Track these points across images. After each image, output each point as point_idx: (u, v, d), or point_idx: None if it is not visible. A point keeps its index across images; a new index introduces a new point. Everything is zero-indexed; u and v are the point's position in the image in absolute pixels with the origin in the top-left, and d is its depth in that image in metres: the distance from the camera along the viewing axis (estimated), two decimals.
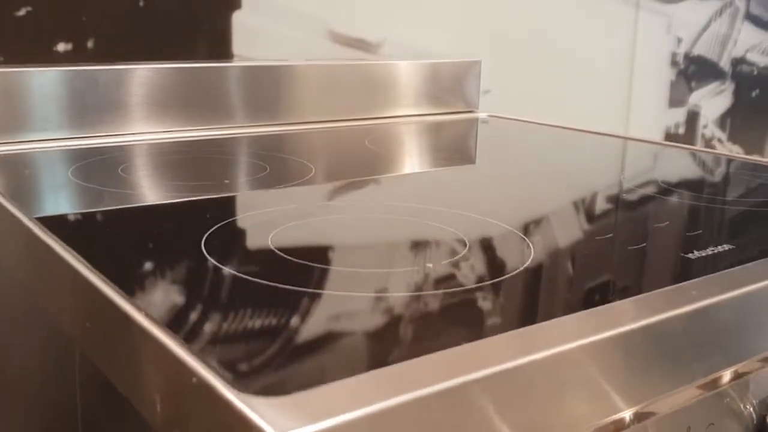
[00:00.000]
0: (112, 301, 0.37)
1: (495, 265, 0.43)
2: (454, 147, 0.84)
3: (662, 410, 0.39)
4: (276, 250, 0.44)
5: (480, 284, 0.40)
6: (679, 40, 1.36)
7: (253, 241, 0.47)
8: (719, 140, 1.47)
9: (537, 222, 0.52)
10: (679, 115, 1.40)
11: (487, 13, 1.11)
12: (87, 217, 0.52)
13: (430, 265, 0.42)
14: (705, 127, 1.44)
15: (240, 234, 0.48)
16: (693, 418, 0.41)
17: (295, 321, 0.35)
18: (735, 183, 0.66)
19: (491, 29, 1.12)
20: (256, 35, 0.91)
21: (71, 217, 0.52)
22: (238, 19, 0.89)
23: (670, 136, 1.38)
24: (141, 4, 0.82)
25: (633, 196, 0.60)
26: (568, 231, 0.50)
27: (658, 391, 0.37)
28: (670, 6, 1.34)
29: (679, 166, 0.73)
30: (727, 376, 0.42)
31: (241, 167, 0.69)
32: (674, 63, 1.36)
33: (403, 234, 0.49)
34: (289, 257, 0.43)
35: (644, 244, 0.47)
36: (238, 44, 0.89)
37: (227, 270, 0.41)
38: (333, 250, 0.45)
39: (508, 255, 0.45)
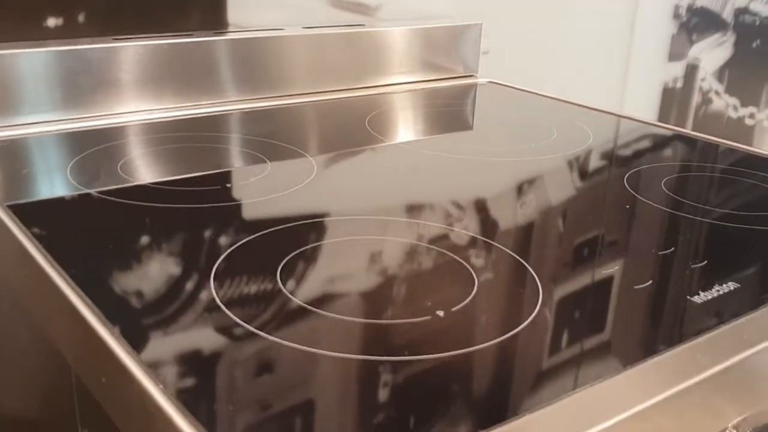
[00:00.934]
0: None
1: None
2: (449, 120, 0.83)
3: None
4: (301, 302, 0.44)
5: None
6: None
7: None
8: (716, 92, 1.46)
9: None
10: (678, 69, 1.38)
11: None
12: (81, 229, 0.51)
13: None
14: (703, 79, 1.42)
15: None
16: None
17: None
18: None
19: None
20: (252, 1, 0.88)
21: (61, 232, 0.51)
22: None
23: (668, 91, 1.37)
24: None
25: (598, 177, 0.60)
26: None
27: None
28: None
29: (663, 154, 0.73)
30: None
31: (237, 160, 0.68)
32: (677, 16, 1.33)
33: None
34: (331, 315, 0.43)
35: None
36: (233, 12, 0.87)
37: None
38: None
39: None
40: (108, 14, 0.79)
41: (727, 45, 1.45)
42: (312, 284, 0.46)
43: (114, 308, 0.42)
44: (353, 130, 0.79)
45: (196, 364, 0.38)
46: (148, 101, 0.79)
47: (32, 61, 0.72)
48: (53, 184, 0.60)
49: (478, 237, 0.53)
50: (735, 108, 1.50)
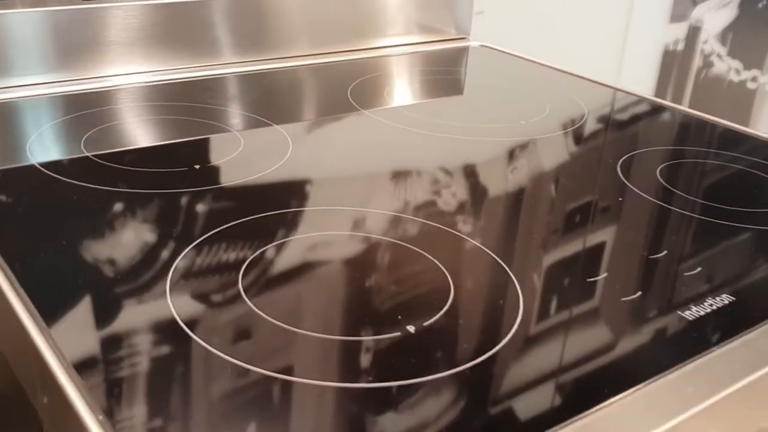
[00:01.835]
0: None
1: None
2: (435, 89, 0.79)
3: None
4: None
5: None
6: None
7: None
8: (719, 56, 1.41)
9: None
10: (680, 30, 1.33)
11: None
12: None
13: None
14: (705, 42, 1.37)
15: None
16: None
17: None
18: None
19: None
20: None
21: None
22: None
23: (668, 53, 1.32)
24: None
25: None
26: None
27: None
28: None
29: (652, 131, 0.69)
30: None
31: (210, 134, 0.64)
32: None
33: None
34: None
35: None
36: None
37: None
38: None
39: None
40: None
41: (732, 6, 1.39)
42: (276, 292, 0.43)
43: (50, 308, 0.39)
44: (335, 99, 0.75)
45: (137, 382, 0.35)
46: (137, 63, 0.75)
47: (21, 21, 0.67)
48: (9, 158, 0.57)
49: (460, 235, 0.50)
50: (737, 71, 1.45)
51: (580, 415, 0.34)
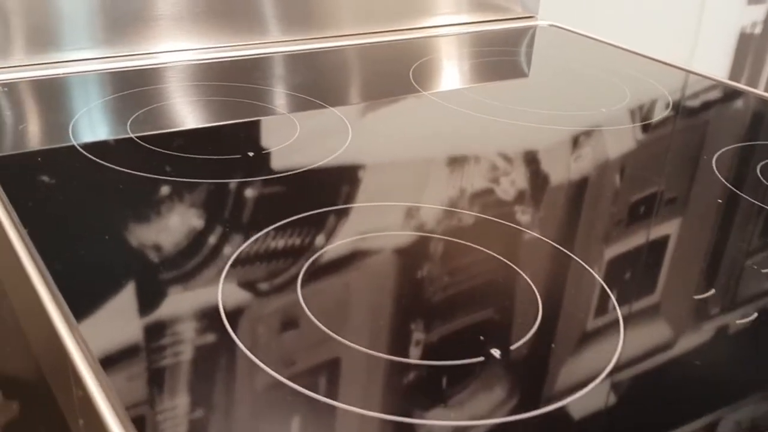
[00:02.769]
0: None
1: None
2: (499, 72, 0.73)
3: None
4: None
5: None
6: None
7: None
8: None
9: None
10: (759, 12, 1.24)
11: None
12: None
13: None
14: None
15: None
16: None
17: None
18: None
19: None
20: None
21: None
22: None
23: (744, 36, 1.24)
24: None
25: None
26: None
27: None
28: None
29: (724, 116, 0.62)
30: None
31: (265, 119, 0.59)
32: None
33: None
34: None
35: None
36: None
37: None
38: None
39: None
40: None
41: None
42: (334, 301, 0.38)
43: (84, 302, 0.35)
44: (395, 80, 0.70)
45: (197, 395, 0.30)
46: (184, 40, 0.71)
47: None
48: (51, 138, 0.52)
49: (544, 239, 0.44)
50: None
51: None
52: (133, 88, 0.62)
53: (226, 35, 0.73)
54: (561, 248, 0.43)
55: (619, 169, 0.54)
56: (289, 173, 0.50)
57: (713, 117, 0.67)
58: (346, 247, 0.42)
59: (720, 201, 0.50)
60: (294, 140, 0.55)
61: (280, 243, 0.42)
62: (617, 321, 0.37)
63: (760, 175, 0.54)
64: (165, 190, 0.46)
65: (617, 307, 0.38)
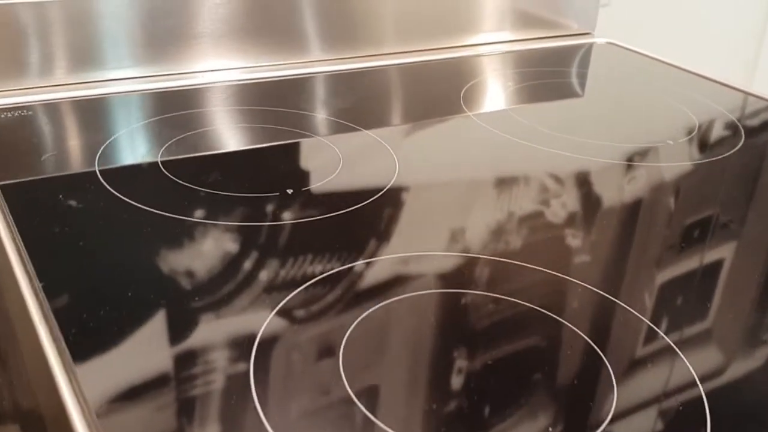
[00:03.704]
0: None
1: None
2: (552, 94, 0.68)
3: None
4: None
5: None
6: None
7: None
8: None
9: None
10: None
11: None
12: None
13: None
14: None
15: None
16: None
17: None
18: None
19: None
20: None
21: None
22: None
23: None
24: None
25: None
26: None
27: None
28: None
29: None
30: None
31: (306, 149, 0.55)
32: None
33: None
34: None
35: None
36: None
37: None
38: None
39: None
40: None
41: None
42: (381, 382, 0.34)
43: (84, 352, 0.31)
44: (445, 107, 0.65)
45: None
46: (224, 58, 0.67)
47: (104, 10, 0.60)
48: (74, 164, 0.49)
49: (589, 287, 0.39)
50: None
51: None
52: (170, 112, 0.59)
53: (267, 53, 0.69)
54: (632, 311, 0.38)
55: (681, 201, 0.49)
56: (329, 215, 0.46)
57: None
58: (400, 307, 0.38)
59: None
60: (336, 174, 0.51)
61: (315, 306, 0.38)
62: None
63: None
64: (188, 233, 0.43)
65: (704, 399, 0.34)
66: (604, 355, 0.35)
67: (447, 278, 0.41)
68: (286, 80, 0.68)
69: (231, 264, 0.40)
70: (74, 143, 0.53)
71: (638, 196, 0.51)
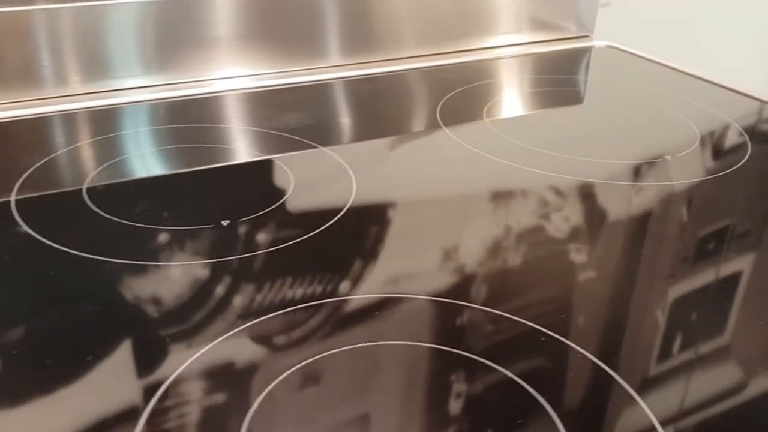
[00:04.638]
0: None
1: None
2: (553, 97, 0.62)
3: None
4: None
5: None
6: None
7: None
8: None
9: None
10: None
11: None
12: None
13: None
14: None
15: None
16: None
17: None
18: None
19: None
20: None
21: None
22: None
23: None
24: None
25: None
26: None
27: None
28: None
29: None
30: None
31: (256, 172, 0.49)
32: None
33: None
34: None
35: None
36: None
37: None
38: None
39: None
40: None
41: None
42: None
43: None
44: (419, 118, 0.60)
45: None
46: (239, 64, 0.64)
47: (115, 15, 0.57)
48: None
49: (566, 341, 0.34)
50: None
51: None
52: (107, 133, 0.54)
53: (284, 60, 0.64)
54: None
55: (675, 226, 0.43)
56: (271, 249, 0.40)
57: None
58: (353, 356, 0.32)
59: None
60: (284, 200, 0.45)
61: (231, 364, 0.32)
62: None
63: None
64: (99, 274, 0.37)
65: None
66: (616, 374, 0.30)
67: (409, 328, 0.35)
68: (246, 94, 0.63)
69: (150, 307, 0.35)
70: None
71: (622, 219, 0.45)
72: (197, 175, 0.49)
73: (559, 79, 0.70)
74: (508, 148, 0.54)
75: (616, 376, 0.32)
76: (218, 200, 0.46)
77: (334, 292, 0.37)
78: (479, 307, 0.36)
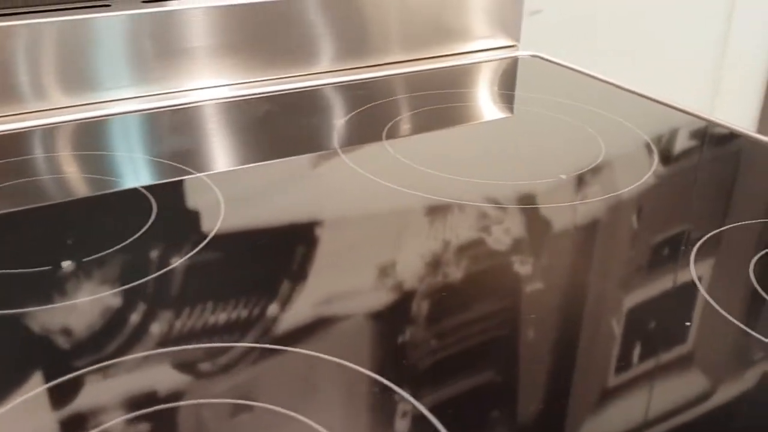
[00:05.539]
0: None
1: None
2: (459, 113, 0.59)
3: None
4: None
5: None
6: None
7: None
8: None
9: None
10: None
11: None
12: None
13: None
14: None
15: None
16: None
17: None
18: None
19: None
20: None
21: None
22: None
23: None
24: None
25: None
26: None
27: None
28: None
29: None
30: None
31: (108, 220, 0.47)
32: None
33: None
34: None
35: None
36: None
37: None
38: None
39: None
40: None
41: None
42: None
43: None
44: (314, 143, 0.57)
45: None
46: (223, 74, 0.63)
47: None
48: None
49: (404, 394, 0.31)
50: None
51: None
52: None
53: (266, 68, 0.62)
54: None
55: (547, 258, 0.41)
56: (114, 290, 0.37)
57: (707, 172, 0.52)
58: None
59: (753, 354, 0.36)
60: (140, 234, 0.43)
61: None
62: None
63: None
64: None
65: None
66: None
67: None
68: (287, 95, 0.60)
69: None
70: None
71: (498, 249, 0.43)
72: (39, 212, 0.46)
73: (465, 95, 0.68)
74: (405, 172, 0.51)
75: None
76: (60, 238, 0.43)
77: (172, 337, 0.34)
78: (333, 358, 0.33)
